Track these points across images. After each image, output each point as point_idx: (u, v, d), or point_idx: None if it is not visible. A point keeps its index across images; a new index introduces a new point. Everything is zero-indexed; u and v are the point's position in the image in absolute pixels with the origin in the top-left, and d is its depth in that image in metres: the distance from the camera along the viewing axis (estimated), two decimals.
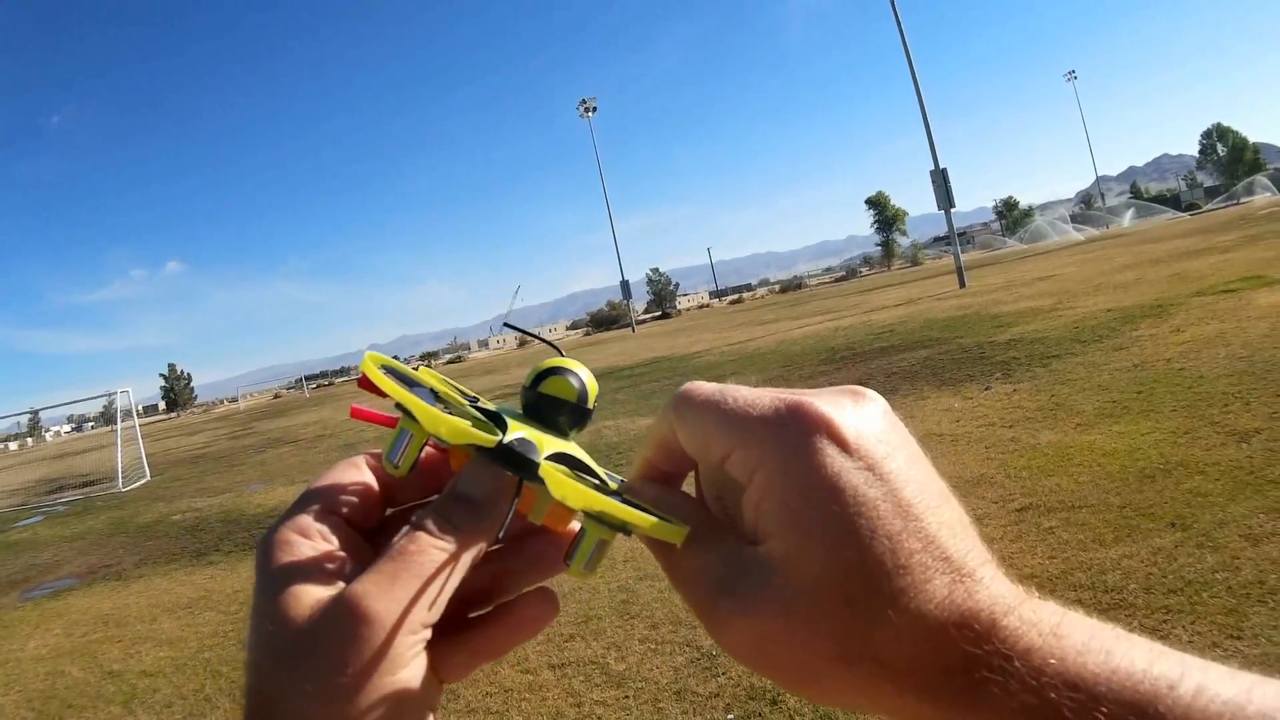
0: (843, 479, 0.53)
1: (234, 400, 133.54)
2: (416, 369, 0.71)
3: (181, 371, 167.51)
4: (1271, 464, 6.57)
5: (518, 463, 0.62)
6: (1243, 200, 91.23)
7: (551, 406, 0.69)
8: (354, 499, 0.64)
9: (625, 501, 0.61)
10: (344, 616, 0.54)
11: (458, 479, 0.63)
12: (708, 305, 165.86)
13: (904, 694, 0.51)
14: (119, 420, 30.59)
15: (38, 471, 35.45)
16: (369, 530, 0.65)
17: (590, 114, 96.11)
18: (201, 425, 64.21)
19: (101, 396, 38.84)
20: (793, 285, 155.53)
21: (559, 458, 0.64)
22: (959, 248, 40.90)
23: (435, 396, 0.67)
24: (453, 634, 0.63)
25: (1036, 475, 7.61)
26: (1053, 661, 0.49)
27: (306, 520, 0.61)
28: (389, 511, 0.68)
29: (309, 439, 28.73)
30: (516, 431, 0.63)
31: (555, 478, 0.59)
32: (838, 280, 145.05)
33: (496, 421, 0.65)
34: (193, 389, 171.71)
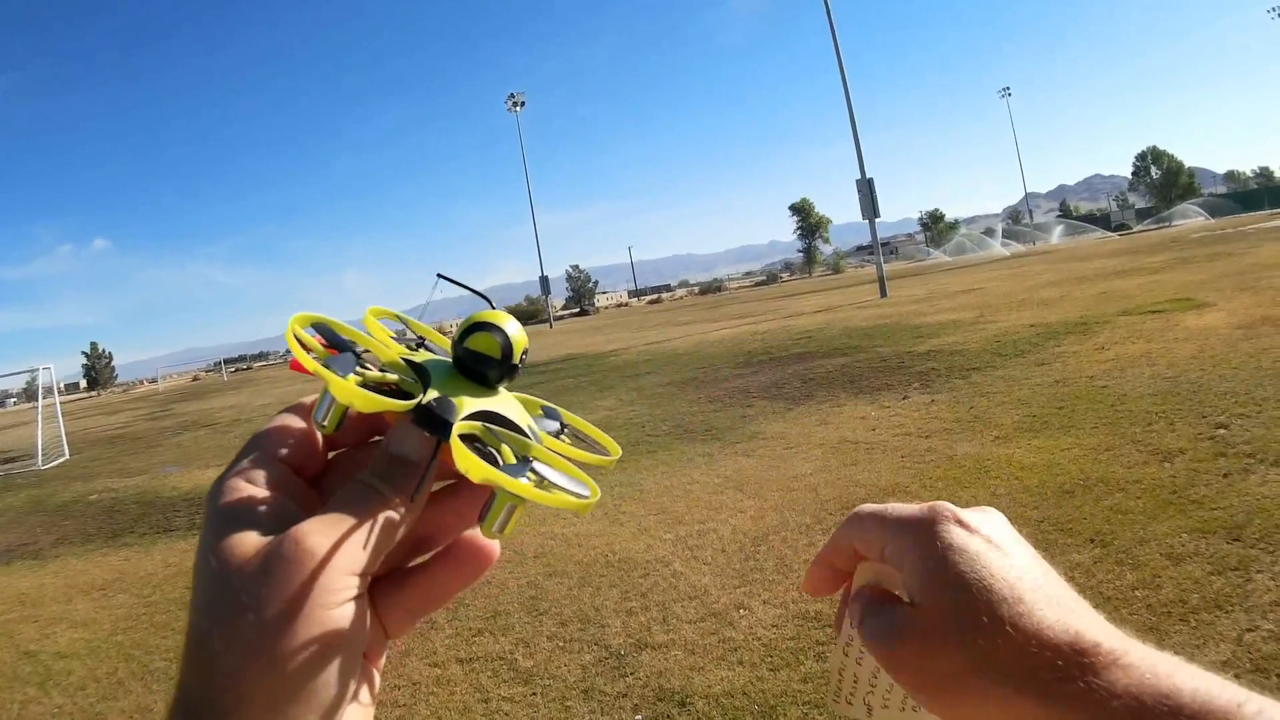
0: (968, 544, 0.67)
1: (154, 381, 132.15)
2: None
3: (103, 350, 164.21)
4: (1195, 484, 6.58)
5: (435, 424, 0.63)
6: (1176, 223, 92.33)
7: (478, 361, 0.70)
8: (297, 446, 0.66)
9: (537, 471, 0.65)
10: (285, 551, 0.56)
11: (391, 437, 0.65)
12: (626, 304, 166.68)
13: (1024, 698, 0.59)
14: (40, 397, 30.57)
15: None
16: (313, 475, 0.68)
17: (518, 108, 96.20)
18: (121, 405, 63.34)
19: (24, 373, 38.79)
20: (712, 288, 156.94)
21: (481, 415, 0.67)
22: (882, 257, 41.24)
23: (357, 358, 0.68)
24: (396, 587, 0.67)
25: (952, 486, 7.64)
26: (1148, 676, 0.57)
27: (254, 467, 0.63)
28: (331, 455, 0.70)
29: (226, 423, 28.68)
30: (435, 392, 0.66)
31: (459, 450, 0.61)
32: (758, 285, 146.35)
33: (423, 376, 0.68)
34: (114, 368, 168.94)
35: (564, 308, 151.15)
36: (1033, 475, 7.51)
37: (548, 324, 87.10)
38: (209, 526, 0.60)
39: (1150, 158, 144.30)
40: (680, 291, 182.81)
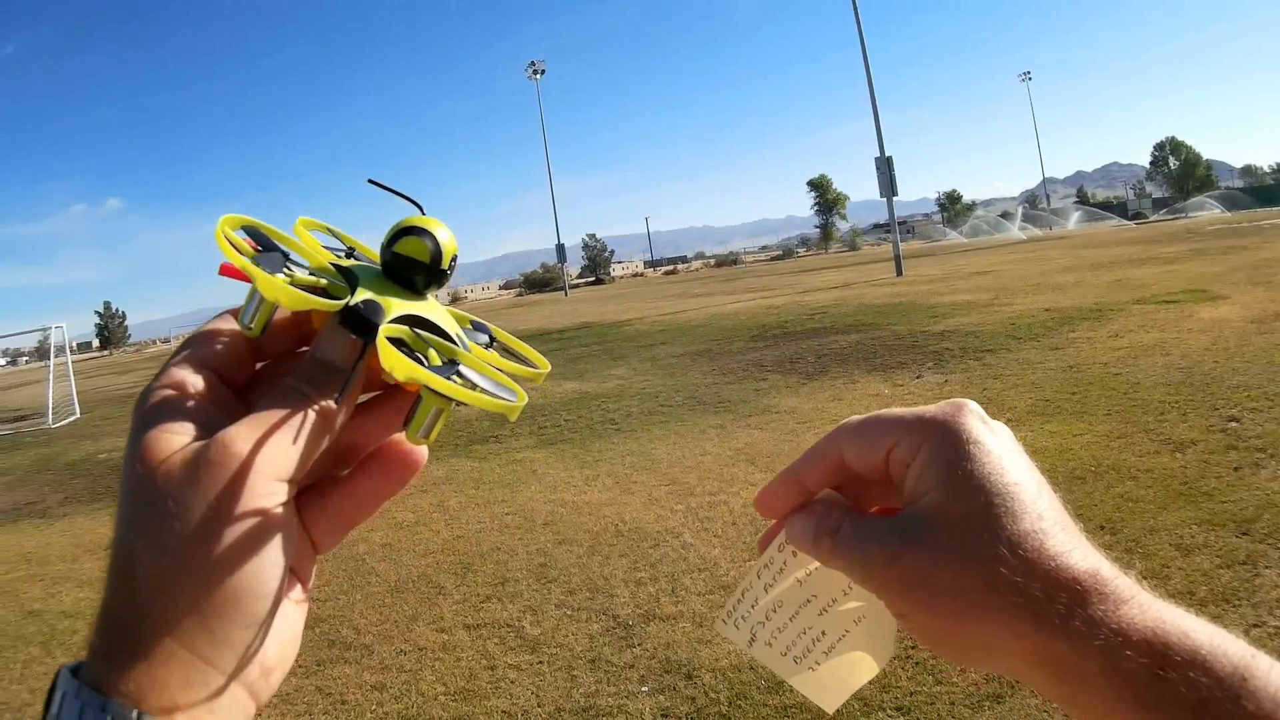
0: (992, 443, 0.63)
1: (166, 341, 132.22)
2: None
3: (116, 310, 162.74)
4: (1206, 476, 6.57)
5: (361, 326, 0.64)
6: (1192, 215, 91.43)
7: (406, 266, 0.70)
8: (225, 352, 0.65)
9: (463, 374, 0.64)
10: (213, 456, 0.56)
11: (318, 342, 0.65)
12: (642, 274, 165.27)
13: (1040, 629, 0.56)
14: (52, 356, 30.12)
15: None
16: (240, 383, 0.67)
17: (538, 76, 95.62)
18: (133, 364, 62.89)
19: (36, 331, 38.41)
20: (728, 260, 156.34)
21: (408, 319, 0.66)
22: (899, 236, 41.07)
23: (286, 259, 0.69)
24: (322, 498, 0.66)
25: None
26: (1166, 616, 0.56)
27: (180, 374, 0.62)
28: (259, 365, 0.69)
29: None
30: (363, 294, 0.66)
31: (385, 348, 0.61)
32: (774, 259, 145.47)
33: (351, 280, 0.68)
34: (127, 328, 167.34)
35: (579, 276, 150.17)
36: (1044, 459, 7.32)
37: (563, 292, 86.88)
38: (134, 434, 0.59)
39: (1169, 148, 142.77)
40: (696, 263, 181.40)
